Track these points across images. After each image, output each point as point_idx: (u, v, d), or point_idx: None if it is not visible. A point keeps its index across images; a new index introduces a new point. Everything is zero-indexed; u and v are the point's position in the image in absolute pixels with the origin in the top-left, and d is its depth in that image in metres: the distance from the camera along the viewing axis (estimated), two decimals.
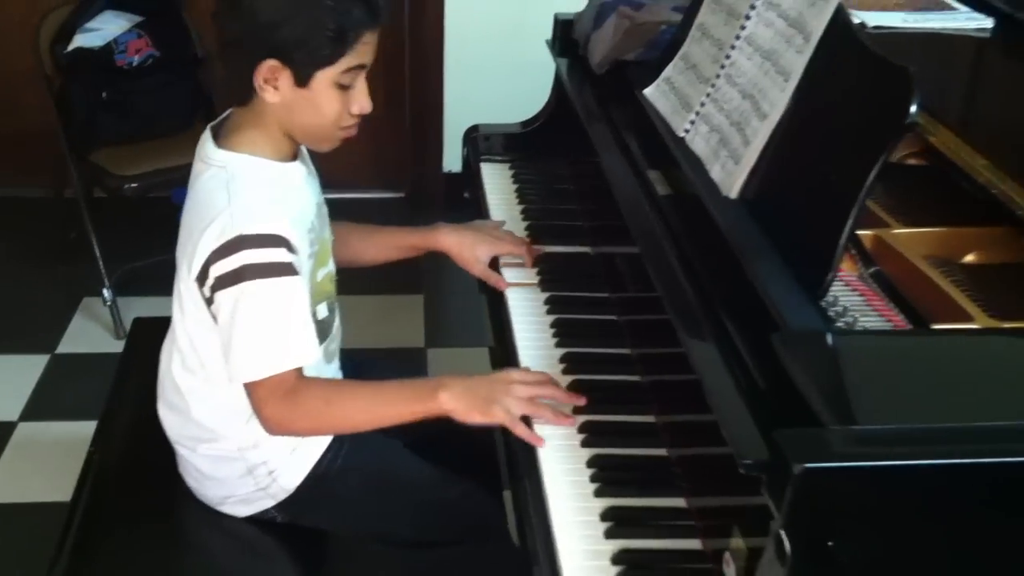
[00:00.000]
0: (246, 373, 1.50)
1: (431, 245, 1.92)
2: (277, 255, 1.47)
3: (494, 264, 1.91)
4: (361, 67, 1.52)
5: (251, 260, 1.45)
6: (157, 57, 3.28)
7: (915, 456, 1.01)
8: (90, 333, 3.19)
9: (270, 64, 1.47)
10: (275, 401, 1.51)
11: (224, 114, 1.61)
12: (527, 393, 1.52)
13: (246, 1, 1.44)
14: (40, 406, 2.87)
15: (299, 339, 1.51)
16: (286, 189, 1.57)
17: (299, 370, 1.52)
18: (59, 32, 3.22)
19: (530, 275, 1.88)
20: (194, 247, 1.49)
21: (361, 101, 1.54)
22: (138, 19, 3.29)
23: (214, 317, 1.53)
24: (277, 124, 1.54)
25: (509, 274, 1.88)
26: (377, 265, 1.95)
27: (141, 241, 3.45)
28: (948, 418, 1.07)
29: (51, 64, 3.23)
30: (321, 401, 1.54)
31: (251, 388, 1.52)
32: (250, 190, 1.51)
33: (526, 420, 1.51)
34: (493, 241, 1.92)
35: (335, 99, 1.51)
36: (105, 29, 3.25)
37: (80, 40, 3.20)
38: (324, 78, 1.49)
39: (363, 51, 1.50)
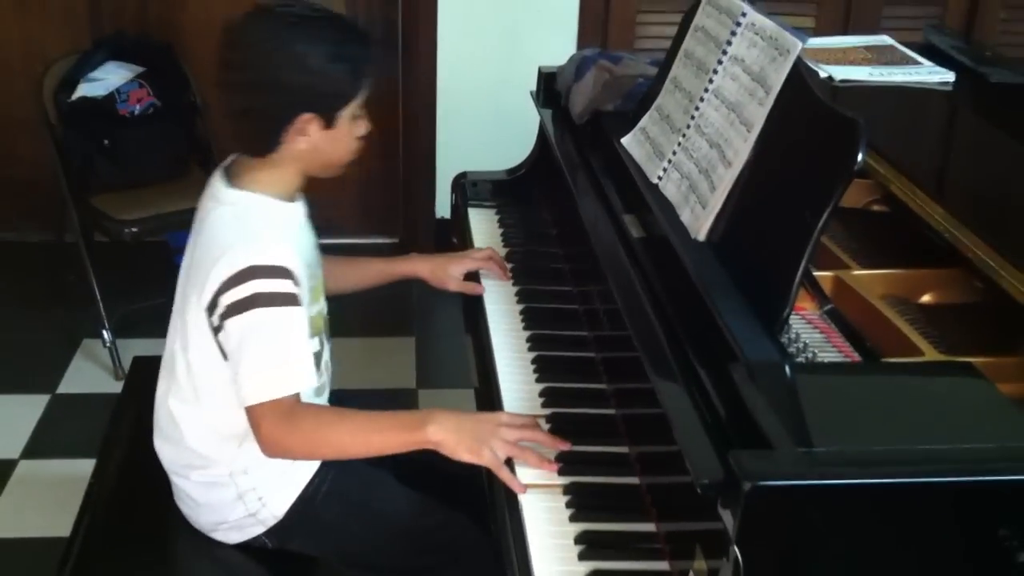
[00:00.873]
0: (254, 395, 1.58)
1: (406, 271, 2.09)
2: (285, 286, 1.57)
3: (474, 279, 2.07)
4: (367, 96, 1.67)
5: (261, 289, 1.56)
6: (157, 106, 3.38)
7: (857, 476, 1.10)
8: (90, 374, 3.26)
9: (304, 118, 1.61)
10: (272, 422, 1.58)
11: (230, 157, 1.73)
12: (513, 436, 1.59)
13: (270, 74, 1.59)
14: (41, 444, 2.93)
15: (300, 365, 1.59)
16: (291, 226, 1.69)
17: (296, 395, 1.60)
18: (63, 82, 3.32)
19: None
20: (205, 278, 1.59)
21: (365, 124, 1.69)
22: (139, 69, 3.40)
23: (220, 346, 1.61)
24: (296, 166, 1.67)
25: (486, 281, 2.05)
26: (356, 291, 2.06)
27: (140, 284, 3.54)
28: (889, 442, 1.16)
29: (54, 112, 3.32)
30: (314, 424, 1.62)
31: (250, 410, 1.59)
32: (260, 225, 1.63)
33: (509, 462, 1.58)
34: (462, 259, 2.10)
35: (351, 130, 1.67)
36: (108, 79, 3.35)
37: (84, 89, 3.30)
38: (346, 115, 1.65)
39: (369, 82, 1.66)
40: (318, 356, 1.77)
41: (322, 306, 1.79)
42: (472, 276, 2.09)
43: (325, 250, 1.84)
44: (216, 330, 1.61)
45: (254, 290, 1.55)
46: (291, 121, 1.61)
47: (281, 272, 1.57)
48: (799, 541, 1.12)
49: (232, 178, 1.68)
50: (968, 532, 1.13)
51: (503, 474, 1.56)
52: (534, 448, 1.59)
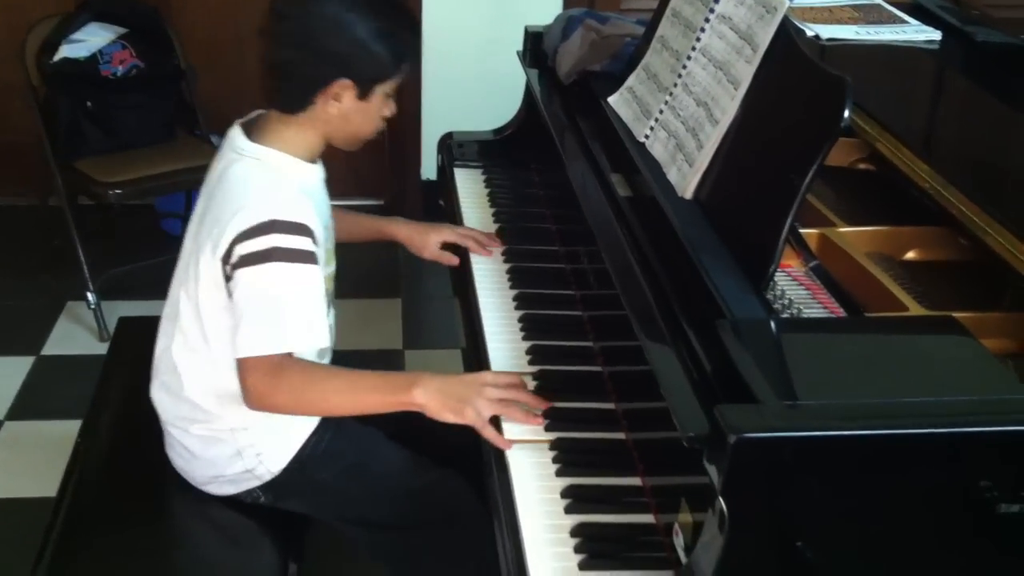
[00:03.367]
0: (248, 347, 1.59)
1: (385, 232, 2.11)
2: (304, 243, 1.59)
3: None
4: (402, 81, 1.70)
5: (281, 243, 1.57)
6: (141, 68, 3.35)
7: (841, 428, 1.11)
8: (74, 336, 3.26)
9: (342, 83, 1.63)
10: (258, 376, 1.59)
11: (254, 113, 1.75)
12: (497, 395, 1.61)
13: (317, 34, 1.61)
14: (26, 405, 2.93)
15: (302, 325, 1.60)
16: (312, 187, 1.71)
17: (288, 352, 1.61)
18: (45, 44, 3.28)
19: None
20: (223, 228, 1.59)
21: (392, 106, 1.73)
22: (123, 31, 3.36)
23: (230, 292, 1.61)
24: (323, 130, 1.69)
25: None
26: (342, 242, 2.03)
27: (124, 247, 3.55)
28: (873, 395, 1.17)
29: (37, 75, 3.29)
30: (301, 380, 1.63)
31: (240, 361, 1.60)
32: (285, 181, 1.65)
33: (495, 421, 1.59)
34: (441, 229, 2.10)
35: (382, 107, 1.70)
36: (90, 40, 3.32)
37: (66, 51, 3.27)
38: (381, 91, 1.68)
39: (408, 66, 1.69)
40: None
41: (333, 269, 1.80)
42: (461, 252, 2.07)
43: None
44: (228, 279, 1.61)
45: (273, 243, 1.56)
46: (328, 84, 1.62)
47: (302, 229, 1.59)
48: (784, 493, 1.13)
49: (254, 133, 1.69)
50: (950, 483, 1.14)
51: (487, 432, 1.57)
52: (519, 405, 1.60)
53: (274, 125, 1.69)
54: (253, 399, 1.62)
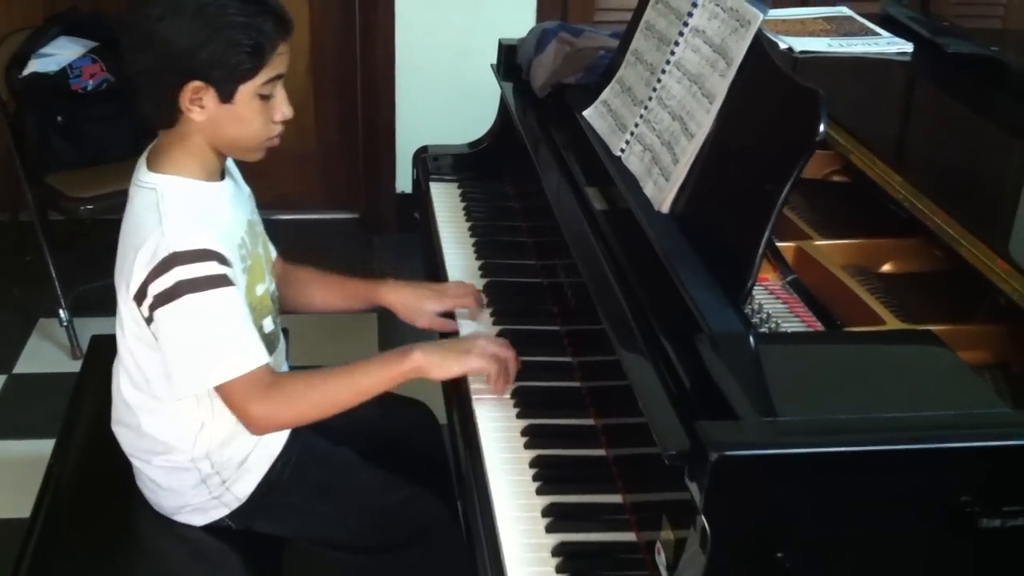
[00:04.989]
0: (189, 385, 1.56)
1: (376, 299, 1.98)
2: (209, 268, 1.53)
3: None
4: (279, 76, 1.59)
5: (184, 276, 1.51)
6: (111, 82, 3.32)
7: (822, 444, 1.11)
8: (46, 354, 3.22)
9: (194, 85, 1.53)
10: (259, 398, 1.56)
11: (157, 139, 1.67)
12: (492, 349, 1.66)
13: (160, 32, 1.50)
14: None
15: (248, 341, 1.57)
16: (214, 207, 1.63)
17: (270, 367, 1.58)
18: (14, 58, 3.27)
19: (486, 323, 1.90)
20: (130, 268, 1.55)
21: (283, 108, 1.61)
22: (93, 44, 3.34)
23: (154, 335, 1.58)
24: (204, 141, 1.61)
25: (464, 324, 1.90)
26: (325, 311, 2.01)
27: (96, 263, 3.45)
28: (853, 410, 1.17)
29: (6, 89, 3.27)
30: (303, 386, 1.62)
31: (227, 393, 1.56)
32: (179, 209, 1.57)
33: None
34: (436, 295, 1.95)
35: (258, 110, 1.59)
36: (60, 54, 3.30)
37: (35, 65, 3.25)
38: (246, 91, 1.56)
39: (279, 61, 1.57)
40: (274, 335, 1.76)
41: (268, 284, 1.76)
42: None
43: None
44: (148, 320, 1.57)
45: (177, 278, 1.51)
46: (180, 88, 1.53)
47: (203, 255, 1.53)
48: (765, 510, 1.12)
49: (152, 161, 1.63)
50: (933, 499, 1.14)
51: (494, 369, 1.64)
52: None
53: (165, 148, 1.62)
54: (260, 424, 1.60)
